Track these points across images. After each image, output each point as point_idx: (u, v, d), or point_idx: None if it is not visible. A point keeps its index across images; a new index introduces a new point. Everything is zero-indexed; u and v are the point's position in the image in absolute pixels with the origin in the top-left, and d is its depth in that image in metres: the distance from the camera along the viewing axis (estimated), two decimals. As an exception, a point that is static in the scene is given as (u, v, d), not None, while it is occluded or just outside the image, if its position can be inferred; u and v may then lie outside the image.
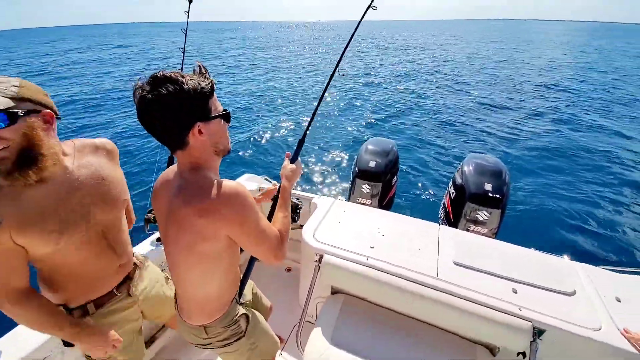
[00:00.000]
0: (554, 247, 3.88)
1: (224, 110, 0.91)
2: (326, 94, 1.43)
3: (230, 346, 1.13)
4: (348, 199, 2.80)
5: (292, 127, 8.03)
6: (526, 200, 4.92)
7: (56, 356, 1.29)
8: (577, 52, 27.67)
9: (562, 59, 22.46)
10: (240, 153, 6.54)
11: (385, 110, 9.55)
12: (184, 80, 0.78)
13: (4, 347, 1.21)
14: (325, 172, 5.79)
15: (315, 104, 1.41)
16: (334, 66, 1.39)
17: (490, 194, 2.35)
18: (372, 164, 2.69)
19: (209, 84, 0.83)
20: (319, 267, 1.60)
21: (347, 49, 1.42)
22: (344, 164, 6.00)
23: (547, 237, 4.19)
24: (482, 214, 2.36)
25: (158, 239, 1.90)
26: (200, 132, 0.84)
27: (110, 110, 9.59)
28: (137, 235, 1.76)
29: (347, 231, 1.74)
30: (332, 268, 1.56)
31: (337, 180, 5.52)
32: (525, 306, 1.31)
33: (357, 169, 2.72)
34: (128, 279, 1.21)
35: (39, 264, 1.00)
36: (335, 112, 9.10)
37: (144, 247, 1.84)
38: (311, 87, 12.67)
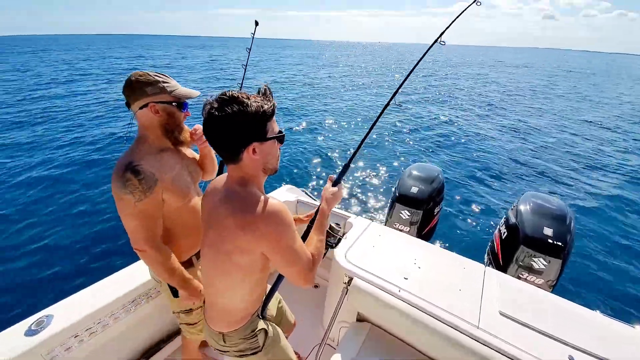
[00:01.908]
0: (624, 314, 3.29)
1: (280, 132, 0.94)
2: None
3: (246, 358, 1.12)
4: (385, 223, 2.69)
5: (339, 147, 8.07)
6: (594, 254, 4.25)
7: (107, 321, 1.42)
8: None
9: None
10: (285, 165, 6.69)
11: (436, 137, 9.20)
12: (248, 102, 0.83)
13: (56, 311, 1.33)
14: (363, 192, 5.66)
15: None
16: (391, 94, 1.35)
17: (550, 240, 2.08)
18: (414, 189, 2.57)
19: (270, 107, 0.87)
20: (347, 289, 1.52)
21: (407, 80, 1.37)
22: (383, 187, 5.83)
23: (616, 300, 3.56)
24: (539, 262, 2.09)
25: None
26: (254, 151, 0.88)
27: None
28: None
29: (380, 257, 1.64)
30: (360, 293, 1.48)
31: (374, 202, 5.36)
32: None
33: (397, 193, 2.61)
34: None
35: (166, 221, 1.22)
36: (383, 133, 8.98)
37: None
38: (366, 104, 12.76)
